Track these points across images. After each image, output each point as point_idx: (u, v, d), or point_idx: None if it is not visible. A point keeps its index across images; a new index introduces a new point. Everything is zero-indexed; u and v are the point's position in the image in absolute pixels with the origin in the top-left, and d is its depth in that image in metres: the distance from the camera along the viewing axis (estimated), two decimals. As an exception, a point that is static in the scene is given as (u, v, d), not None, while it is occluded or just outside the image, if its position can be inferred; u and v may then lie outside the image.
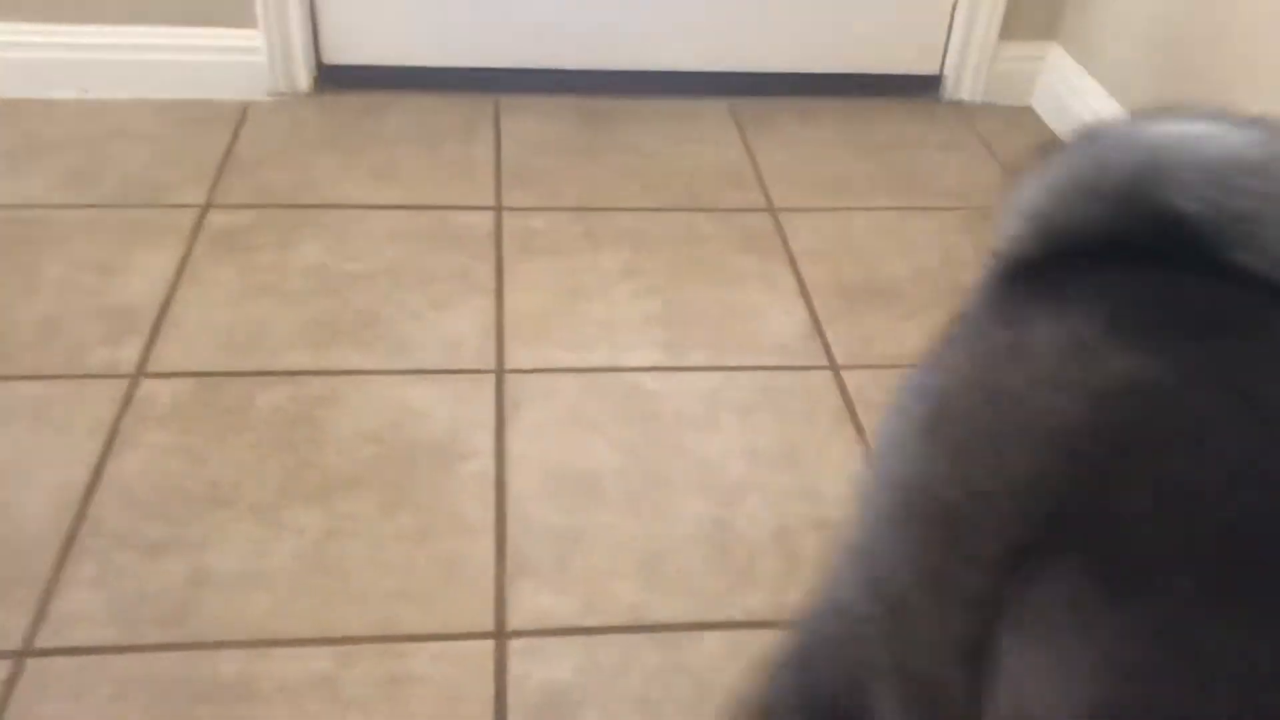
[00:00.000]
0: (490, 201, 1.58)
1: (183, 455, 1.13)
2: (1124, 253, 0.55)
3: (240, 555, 1.03)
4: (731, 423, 1.22)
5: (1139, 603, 0.44)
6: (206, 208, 1.51)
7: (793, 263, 1.49)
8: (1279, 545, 0.43)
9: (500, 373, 1.26)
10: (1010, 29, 1.86)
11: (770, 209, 1.60)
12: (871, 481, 0.63)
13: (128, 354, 1.25)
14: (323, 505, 1.08)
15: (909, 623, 0.59)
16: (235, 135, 1.68)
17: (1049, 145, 0.60)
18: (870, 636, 0.62)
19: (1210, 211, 0.52)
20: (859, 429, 1.22)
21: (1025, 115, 1.90)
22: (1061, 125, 1.83)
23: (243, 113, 1.74)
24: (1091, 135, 0.58)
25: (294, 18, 1.72)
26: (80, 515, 1.05)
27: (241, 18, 1.71)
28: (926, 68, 1.91)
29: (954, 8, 1.85)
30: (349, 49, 1.79)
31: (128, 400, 1.19)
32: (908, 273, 1.48)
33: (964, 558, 0.54)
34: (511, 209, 1.56)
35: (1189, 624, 0.43)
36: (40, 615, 0.97)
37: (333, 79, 1.81)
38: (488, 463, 1.14)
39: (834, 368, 1.31)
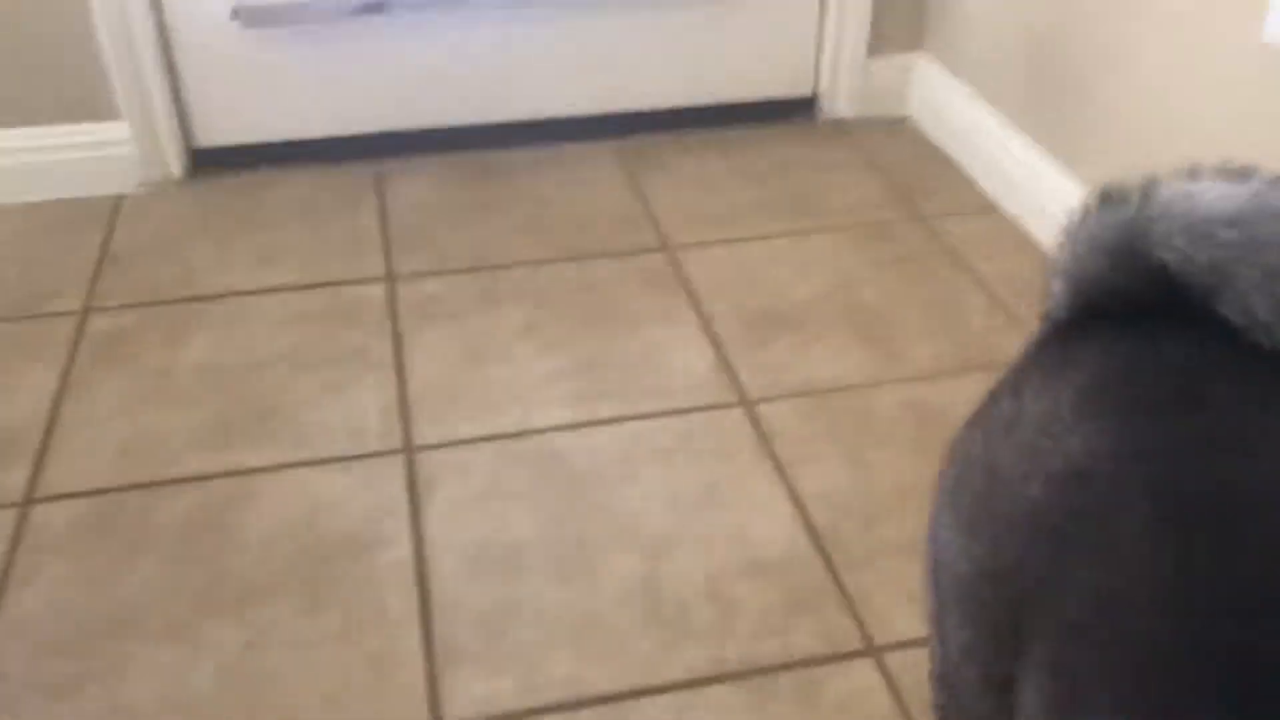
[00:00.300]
0: (381, 271, 1.55)
1: (85, 583, 1.08)
2: (1146, 311, 0.56)
3: (158, 683, 0.98)
4: (650, 473, 1.21)
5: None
6: (86, 312, 1.45)
7: (694, 299, 1.49)
8: (1186, 666, 0.43)
9: (409, 452, 1.23)
10: (877, 44, 1.89)
11: (666, 248, 1.60)
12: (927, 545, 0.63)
13: (14, 479, 1.19)
14: (240, 617, 1.04)
15: (963, 701, 0.59)
16: (110, 232, 1.63)
17: (1087, 204, 0.60)
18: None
19: (1185, 263, 0.53)
20: (777, 462, 1.22)
21: (902, 126, 1.94)
22: (938, 132, 1.86)
23: (116, 208, 1.68)
24: (1110, 194, 0.59)
25: (159, 105, 1.67)
26: (-20, 662, 1.00)
27: (104, 110, 1.66)
28: (801, 90, 1.93)
29: (820, 28, 1.88)
30: (220, 130, 1.75)
31: (18, 531, 1.13)
32: (808, 296, 1.49)
33: (984, 636, 0.55)
34: (405, 276, 1.54)
35: None
36: (-54, 778, 0.91)
37: (207, 162, 1.76)
38: (406, 549, 1.11)
39: (745, 402, 1.31)
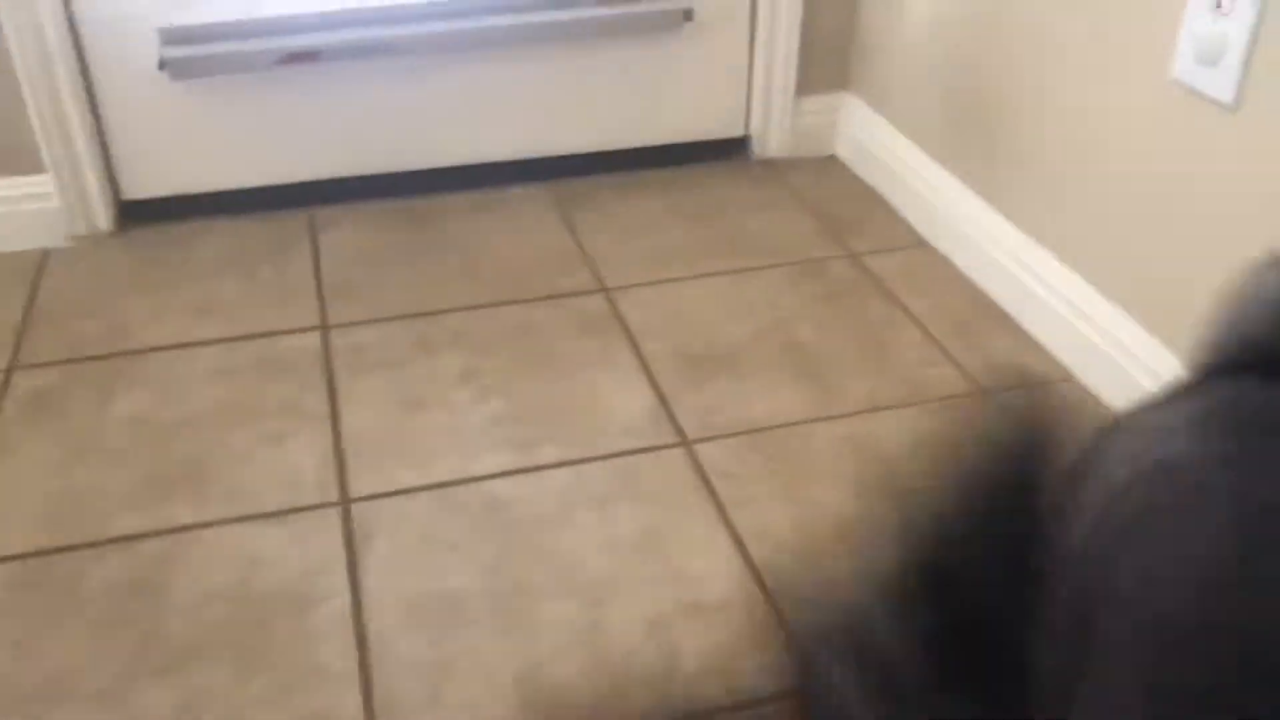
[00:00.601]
0: (315, 321, 1.53)
1: (10, 650, 1.05)
2: None
3: (86, 752, 0.96)
4: (589, 518, 1.21)
5: None
6: (10, 371, 1.42)
7: (632, 341, 1.49)
8: (1205, 644, 0.44)
9: (345, 504, 1.22)
10: (806, 83, 1.92)
11: (603, 289, 1.61)
12: None
13: (-63, 547, 1.16)
14: (173, 681, 1.02)
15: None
16: (35, 287, 1.60)
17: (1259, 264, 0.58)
18: None
19: None
20: (718, 503, 1.22)
21: (831, 164, 1.97)
22: (866, 170, 1.90)
23: (42, 262, 1.65)
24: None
25: (84, 157, 1.65)
26: (-101, 738, 0.97)
27: (27, 164, 1.64)
28: (733, 130, 1.96)
29: (750, 69, 1.91)
30: (148, 182, 1.73)
31: (-58, 599, 1.10)
32: (745, 335, 1.51)
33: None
34: (338, 325, 1.53)
35: None
36: None
37: (135, 214, 1.74)
38: (344, 604, 1.10)
39: (685, 443, 1.31)
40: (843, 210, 1.82)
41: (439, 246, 1.71)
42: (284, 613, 1.09)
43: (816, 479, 1.26)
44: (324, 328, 1.52)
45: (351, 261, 1.67)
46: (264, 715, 0.99)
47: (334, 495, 1.23)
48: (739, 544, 1.17)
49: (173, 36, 1.61)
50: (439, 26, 1.71)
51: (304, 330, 1.51)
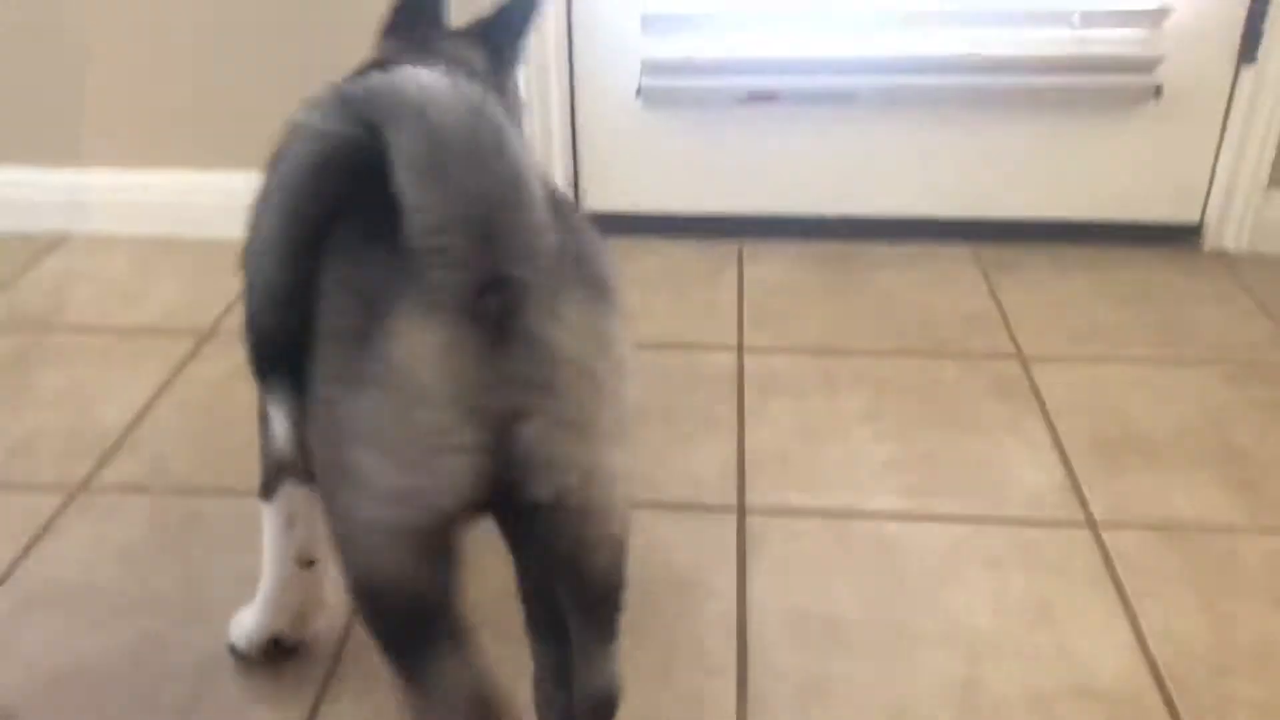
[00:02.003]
0: (733, 342, 1.62)
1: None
2: None
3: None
4: (980, 576, 1.18)
5: None
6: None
7: (1045, 413, 1.44)
8: None
9: (742, 512, 1.27)
10: (1280, 176, 1.78)
11: (1019, 356, 1.57)
12: None
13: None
14: (570, 633, 1.11)
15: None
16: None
17: None
18: None
19: None
20: (1121, 592, 1.15)
21: (1299, 265, 1.80)
22: (1341, 276, 1.72)
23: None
24: None
25: (559, 167, 1.85)
26: (350, 626, 1.12)
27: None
28: (1185, 216, 1.84)
29: (1217, 154, 1.79)
30: (607, 196, 1.90)
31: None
32: (1169, 429, 1.41)
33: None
34: (753, 350, 1.60)
35: None
36: None
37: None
38: (728, 604, 1.14)
39: (1091, 525, 1.25)
40: (1305, 316, 1.66)
41: (856, 291, 1.75)
42: (674, 598, 1.15)
43: (1240, 592, 1.15)
44: (740, 349, 1.60)
45: (773, 293, 1.75)
46: (648, 685, 1.05)
47: (732, 501, 1.29)
48: (1140, 638, 1.10)
49: (653, 68, 1.77)
50: (896, 80, 1.75)
51: (723, 349, 1.60)
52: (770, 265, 1.83)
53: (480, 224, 0.61)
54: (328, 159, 0.65)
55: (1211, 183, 1.81)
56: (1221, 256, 1.83)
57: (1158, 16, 1.70)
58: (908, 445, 1.38)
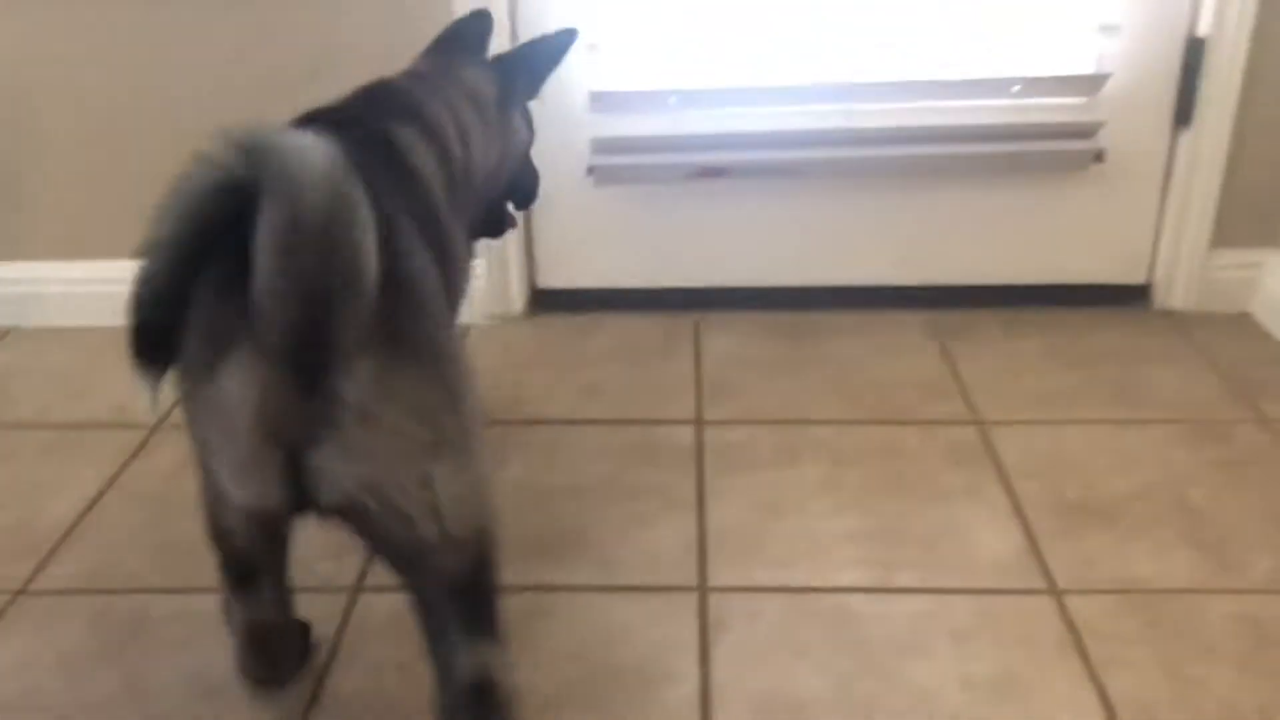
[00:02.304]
0: (691, 416, 1.61)
1: (397, 669, 1.16)
2: None
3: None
4: (947, 650, 1.16)
5: None
6: (426, 425, 1.60)
7: (1004, 478, 1.44)
8: None
9: (703, 591, 1.25)
10: (1222, 236, 1.81)
11: (976, 422, 1.57)
12: None
13: (346, 571, 1.31)
14: (529, 725, 1.08)
15: None
16: (453, 356, 1.79)
17: None
18: None
19: None
20: (1086, 661, 1.14)
21: (1244, 323, 1.82)
22: (1287, 332, 1.74)
23: (461, 335, 1.86)
24: None
25: (512, 247, 1.85)
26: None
27: (463, 248, 1.86)
28: (1134, 277, 1.87)
29: (1161, 216, 1.82)
30: (560, 273, 1.90)
31: (346, 616, 1.24)
32: (1129, 490, 1.41)
33: None
34: (711, 423, 1.59)
35: None
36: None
37: (545, 302, 1.92)
38: (692, 689, 1.12)
39: (1055, 592, 1.24)
40: (1255, 372, 1.67)
41: (813, 361, 1.75)
42: (635, 684, 1.13)
43: (1205, 656, 1.14)
44: (699, 423, 1.59)
45: (730, 365, 1.74)
46: (609, 777, 1.02)
47: (693, 581, 1.27)
48: (1108, 708, 1.08)
49: (603, 146, 1.79)
50: (842, 153, 1.78)
51: (681, 423, 1.59)
52: (727, 337, 1.83)
53: (309, 302, 0.74)
54: (219, 186, 0.76)
55: (1157, 244, 1.84)
56: (1170, 316, 1.86)
57: (1095, 83, 1.74)
58: (869, 516, 1.37)
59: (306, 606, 1.19)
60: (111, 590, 1.28)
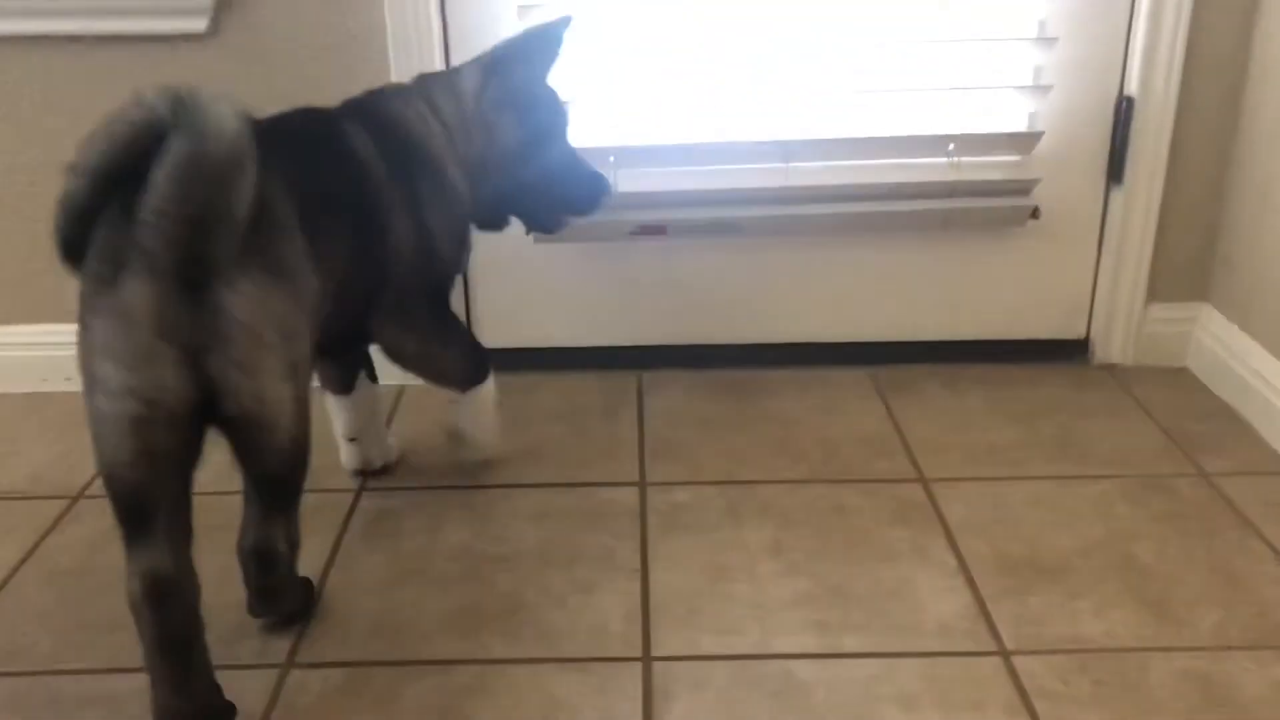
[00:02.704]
0: (634, 477, 1.58)
1: (328, 751, 1.10)
2: None
3: None
4: (896, 716, 1.14)
5: None
6: (360, 492, 1.55)
7: (949, 536, 1.43)
8: None
9: (648, 660, 1.22)
10: (1157, 290, 1.83)
11: (921, 479, 1.56)
12: None
13: (280, 644, 1.25)
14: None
15: None
16: (389, 419, 1.75)
17: None
18: None
19: None
20: (1036, 723, 1.12)
21: (1182, 377, 1.84)
22: (1223, 386, 1.76)
23: (398, 397, 1.82)
24: None
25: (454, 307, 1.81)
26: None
27: (401, 308, 1.82)
28: (1072, 332, 1.89)
29: (1096, 271, 1.84)
30: (500, 332, 1.87)
31: (276, 692, 1.18)
32: (1074, 547, 1.40)
33: None
34: (655, 484, 1.56)
35: None
36: None
37: (483, 361, 1.88)
38: (637, 762, 1.08)
39: (1003, 653, 1.22)
40: (1194, 426, 1.68)
41: (757, 419, 1.74)
42: (578, 761, 1.08)
43: (1154, 713, 1.13)
44: (642, 484, 1.56)
45: (673, 424, 1.72)
46: None
47: (637, 650, 1.23)
48: (1061, 774, 1.06)
49: (541, 204, 1.77)
50: (781, 210, 1.78)
51: (624, 485, 1.56)
52: (669, 395, 1.81)
53: (188, 224, 0.94)
54: (144, 124, 0.94)
55: (1094, 298, 1.86)
56: (1110, 369, 1.87)
57: (1029, 141, 1.76)
58: (815, 579, 1.35)
59: (236, 684, 1.14)
60: (25, 672, 1.22)
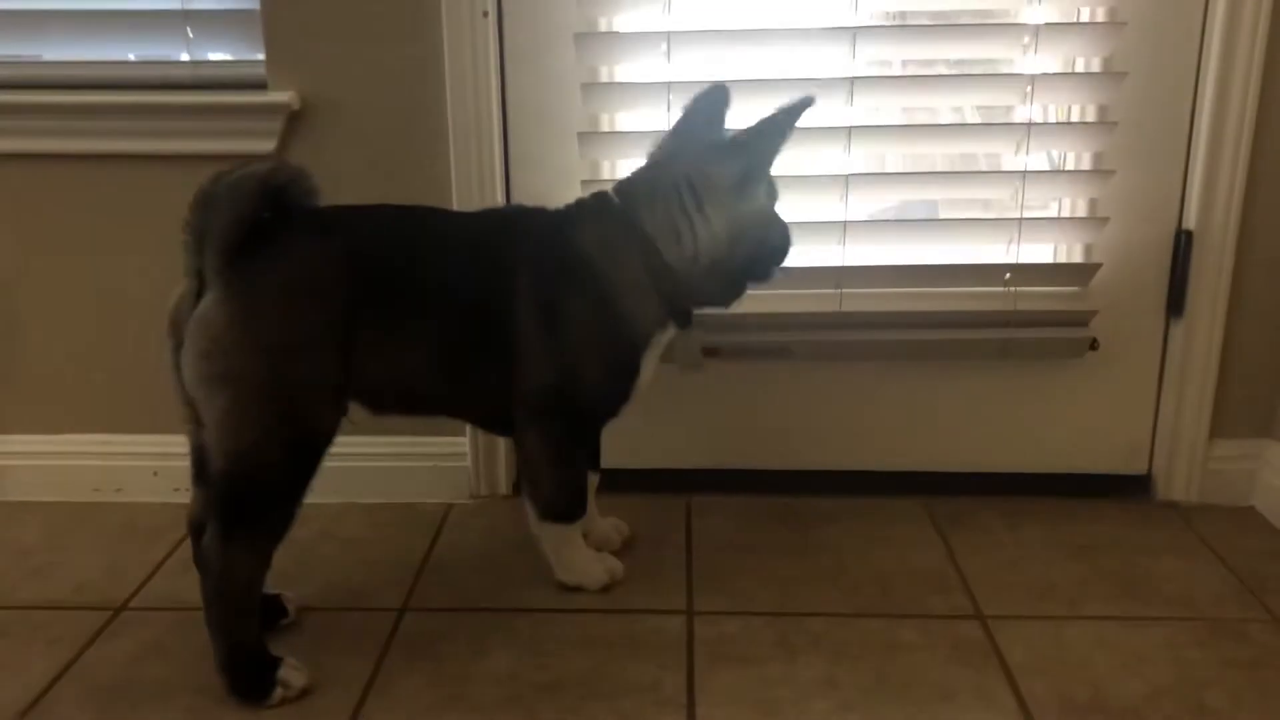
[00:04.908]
0: (681, 605, 1.54)
1: None
2: None
3: None
4: None
5: None
6: (403, 611, 1.52)
7: (1010, 677, 1.37)
8: None
9: (694, 802, 1.16)
10: (1221, 426, 1.79)
11: (979, 616, 1.50)
12: None
13: (314, 767, 1.22)
14: None
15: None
16: (436, 538, 1.73)
17: None
18: None
19: None
20: None
21: (1248, 516, 1.78)
22: (1293, 526, 1.70)
23: (445, 515, 1.80)
24: None
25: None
26: None
27: (452, 427, 1.81)
28: (1133, 467, 1.84)
29: (1158, 405, 1.80)
30: (548, 453, 1.86)
31: (309, 821, 1.14)
32: (1141, 692, 1.34)
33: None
34: (702, 613, 1.52)
35: None
36: None
37: (530, 482, 1.86)
38: None
39: (1070, 806, 1.15)
40: (1263, 568, 1.62)
41: (808, 548, 1.69)
42: None
43: None
44: (690, 613, 1.52)
45: (722, 550, 1.69)
46: None
47: (683, 790, 1.18)
48: None
49: (594, 326, 1.77)
50: (834, 335, 1.77)
51: (670, 613, 1.52)
52: (718, 521, 1.78)
53: (194, 232, 1.25)
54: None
55: (1155, 433, 1.82)
56: (1174, 507, 1.81)
57: (1087, 272, 1.75)
58: (871, 718, 1.29)
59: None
60: (54, 791, 1.19)
